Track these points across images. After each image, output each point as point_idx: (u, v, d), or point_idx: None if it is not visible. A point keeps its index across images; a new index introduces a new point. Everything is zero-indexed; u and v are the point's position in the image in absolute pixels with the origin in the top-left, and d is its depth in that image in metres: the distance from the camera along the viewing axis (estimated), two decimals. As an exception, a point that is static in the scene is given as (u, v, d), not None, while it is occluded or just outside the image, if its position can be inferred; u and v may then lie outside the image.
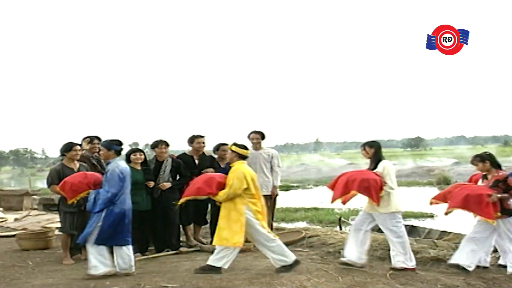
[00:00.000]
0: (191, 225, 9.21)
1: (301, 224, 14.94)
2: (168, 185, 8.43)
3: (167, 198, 8.39)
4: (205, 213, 9.30)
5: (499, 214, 6.99)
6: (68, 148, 7.93)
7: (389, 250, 8.11)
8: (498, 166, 7.30)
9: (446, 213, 7.53)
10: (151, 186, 8.26)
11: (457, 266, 7.21)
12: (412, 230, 11.29)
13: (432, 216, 16.04)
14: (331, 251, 8.21)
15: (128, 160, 8.34)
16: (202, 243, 9.09)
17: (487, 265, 7.36)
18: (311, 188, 31.54)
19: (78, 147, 8.04)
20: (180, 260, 7.98)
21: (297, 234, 9.59)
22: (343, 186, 7.21)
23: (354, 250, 7.26)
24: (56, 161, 10.05)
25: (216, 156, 9.24)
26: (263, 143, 9.45)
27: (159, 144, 8.71)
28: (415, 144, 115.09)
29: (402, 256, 7.09)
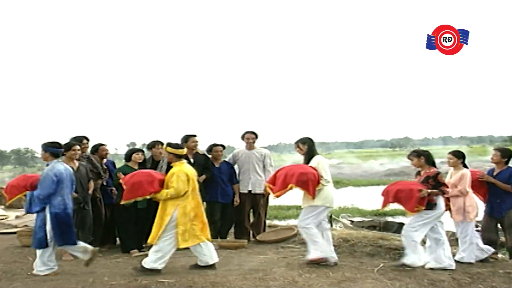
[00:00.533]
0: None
1: (294, 222, 14.92)
2: None
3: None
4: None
5: (422, 208, 6.98)
6: (67, 147, 7.93)
7: (379, 246, 8.16)
8: (432, 163, 7.28)
9: (382, 208, 7.71)
10: None
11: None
12: (400, 227, 11.36)
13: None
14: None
15: (129, 159, 8.40)
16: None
17: (472, 261, 7.41)
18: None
19: (77, 147, 8.04)
20: (175, 256, 7.94)
21: (290, 231, 9.60)
22: (282, 181, 7.18)
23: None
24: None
25: (210, 156, 9.26)
26: (256, 143, 9.46)
27: (155, 145, 8.77)
28: (404, 144, 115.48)
29: (316, 247, 7.12)
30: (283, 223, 13.95)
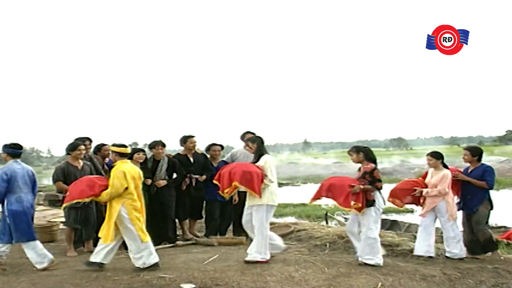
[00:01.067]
0: (187, 220, 9.22)
1: (290, 219, 14.96)
2: (163, 182, 8.49)
3: (163, 194, 8.46)
4: (200, 208, 9.33)
5: (359, 204, 6.96)
6: (73, 147, 7.98)
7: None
8: (371, 159, 7.22)
9: (311, 202, 7.71)
10: (149, 184, 8.27)
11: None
12: (393, 224, 11.40)
13: (412, 211, 16.04)
14: (318, 244, 8.22)
15: (131, 158, 8.40)
16: (197, 236, 9.10)
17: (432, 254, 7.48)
18: (300, 185, 31.53)
19: (83, 147, 8.08)
20: (176, 252, 7.99)
21: (286, 228, 9.61)
22: (227, 178, 7.12)
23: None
24: (61, 160, 10.04)
25: (208, 156, 9.28)
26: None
27: (156, 145, 8.77)
28: (397, 144, 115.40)
29: (255, 248, 7.07)
30: (280, 220, 13.93)
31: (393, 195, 7.87)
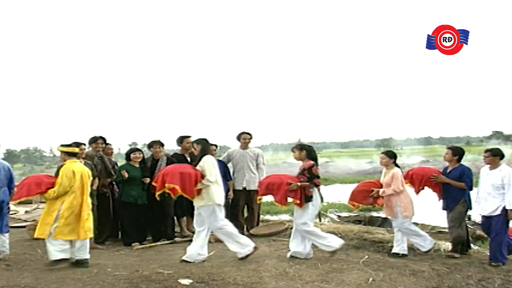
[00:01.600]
0: (185, 217, 9.21)
1: (285, 217, 14.92)
2: None
3: (162, 193, 8.40)
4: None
5: (297, 201, 7.00)
6: (76, 146, 7.94)
7: (364, 239, 8.19)
8: (312, 157, 7.21)
9: (259, 200, 7.80)
10: (147, 182, 8.26)
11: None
12: (384, 222, 11.40)
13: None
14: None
15: (128, 158, 8.40)
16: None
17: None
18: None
19: (84, 146, 8.08)
20: (174, 249, 7.98)
21: (281, 225, 9.62)
22: (161, 180, 7.04)
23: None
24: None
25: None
26: (250, 143, 9.48)
27: (154, 144, 8.76)
28: (387, 144, 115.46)
29: (233, 248, 7.02)
30: (275, 218, 13.94)
31: (352, 197, 7.91)
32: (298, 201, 7.02)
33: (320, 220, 11.49)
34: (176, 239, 8.58)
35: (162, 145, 8.81)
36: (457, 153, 7.58)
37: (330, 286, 5.93)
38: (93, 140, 8.64)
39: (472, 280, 6.34)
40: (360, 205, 8.07)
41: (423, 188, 7.70)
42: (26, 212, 12.49)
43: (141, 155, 8.44)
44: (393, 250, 7.51)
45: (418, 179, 7.67)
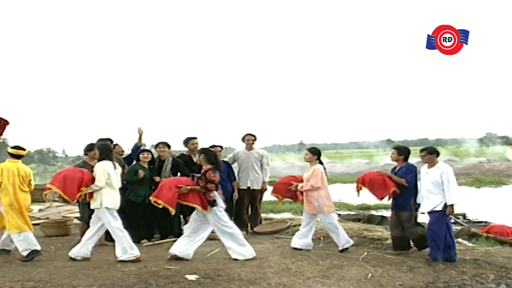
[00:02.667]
0: (191, 215, 9.21)
1: (287, 215, 14.95)
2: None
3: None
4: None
5: (197, 205, 6.87)
6: (89, 148, 7.99)
7: (363, 237, 8.18)
8: (210, 161, 7.00)
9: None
10: (158, 180, 8.25)
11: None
12: (382, 220, 11.42)
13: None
14: (313, 238, 8.20)
15: (138, 158, 8.42)
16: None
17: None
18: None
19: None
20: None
21: (283, 223, 9.64)
22: (49, 182, 7.08)
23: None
24: (75, 160, 10.05)
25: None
26: (254, 144, 9.49)
27: (160, 145, 8.76)
28: (386, 145, 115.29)
29: (120, 249, 6.88)
30: (277, 216, 13.93)
31: (275, 190, 7.98)
32: (198, 206, 6.89)
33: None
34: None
35: (168, 146, 8.81)
36: (402, 152, 7.45)
37: (330, 282, 5.93)
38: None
39: (467, 276, 6.33)
40: (284, 198, 8.09)
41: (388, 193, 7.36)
42: (40, 210, 12.55)
43: (150, 155, 8.45)
44: (340, 248, 7.44)
45: (378, 183, 7.36)
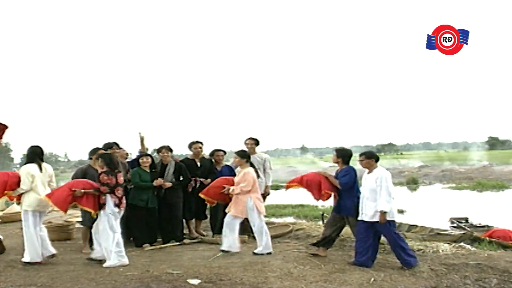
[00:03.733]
0: (193, 220, 9.23)
1: (289, 219, 14.95)
2: (168, 184, 8.40)
3: (171, 196, 8.43)
4: (205, 209, 9.32)
5: (86, 208, 6.88)
6: (94, 152, 8.00)
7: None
8: (109, 166, 6.95)
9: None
10: (160, 183, 8.25)
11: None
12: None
13: (402, 211, 16.06)
14: (315, 242, 8.21)
15: (138, 163, 8.42)
16: (203, 235, 9.10)
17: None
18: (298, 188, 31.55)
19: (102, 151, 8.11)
20: (183, 250, 7.99)
21: (286, 227, 9.62)
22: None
23: None
24: (77, 164, 10.06)
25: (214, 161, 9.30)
26: (257, 149, 9.48)
27: (162, 149, 8.75)
28: (388, 149, 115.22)
29: (26, 251, 6.93)
30: (280, 220, 13.93)
31: (205, 193, 8.03)
32: (90, 209, 6.89)
33: (323, 223, 11.47)
34: (185, 240, 8.57)
35: (171, 150, 8.80)
36: (341, 154, 7.38)
37: (333, 286, 5.92)
38: (109, 146, 8.66)
39: (469, 280, 6.31)
40: (216, 201, 8.12)
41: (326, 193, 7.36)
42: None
43: (150, 160, 8.44)
44: (254, 251, 7.47)
45: (315, 184, 7.41)
